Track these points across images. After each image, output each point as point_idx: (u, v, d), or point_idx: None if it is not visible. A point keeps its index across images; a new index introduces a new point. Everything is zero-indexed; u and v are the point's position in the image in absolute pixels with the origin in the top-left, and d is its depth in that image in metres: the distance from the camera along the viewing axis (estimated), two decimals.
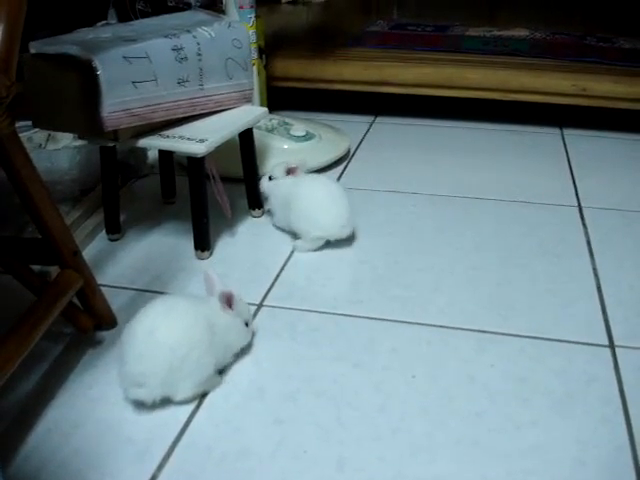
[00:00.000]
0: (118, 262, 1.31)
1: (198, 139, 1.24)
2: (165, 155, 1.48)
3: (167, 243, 1.38)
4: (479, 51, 2.07)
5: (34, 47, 1.21)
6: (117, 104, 1.18)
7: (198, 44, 1.29)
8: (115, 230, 1.39)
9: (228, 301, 1.02)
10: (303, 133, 1.68)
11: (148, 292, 1.22)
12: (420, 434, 0.91)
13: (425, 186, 1.60)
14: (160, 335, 0.94)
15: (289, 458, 0.88)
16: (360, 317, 1.15)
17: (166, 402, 0.96)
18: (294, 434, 0.92)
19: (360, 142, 1.87)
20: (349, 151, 1.78)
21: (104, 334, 1.11)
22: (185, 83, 1.28)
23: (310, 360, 1.05)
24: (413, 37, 2.22)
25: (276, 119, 1.73)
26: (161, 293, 1.21)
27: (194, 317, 0.97)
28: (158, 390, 0.94)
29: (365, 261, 1.30)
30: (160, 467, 0.87)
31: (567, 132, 1.95)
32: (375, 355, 1.06)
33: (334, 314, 1.16)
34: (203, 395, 0.98)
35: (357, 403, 0.97)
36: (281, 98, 2.00)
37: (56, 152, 1.51)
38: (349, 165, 1.72)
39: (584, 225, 1.43)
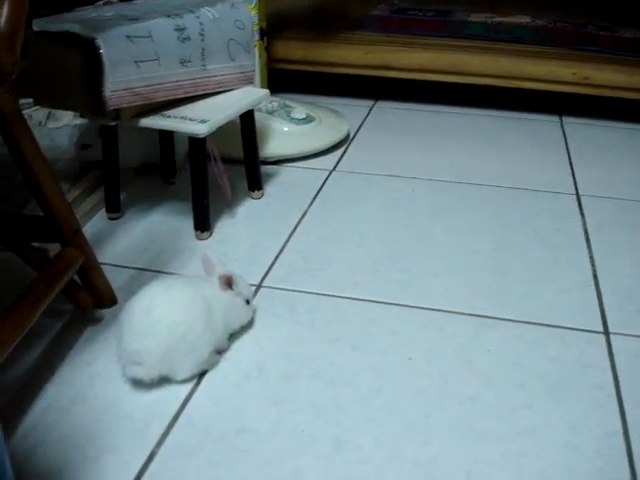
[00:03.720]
0: (118, 241, 1.32)
1: (200, 119, 1.24)
2: (165, 135, 1.48)
3: (167, 223, 1.38)
4: (481, 37, 2.07)
5: (37, 25, 1.21)
6: (119, 83, 1.18)
7: (201, 24, 1.29)
8: (115, 209, 1.39)
9: (227, 283, 1.02)
10: (303, 116, 1.68)
11: (148, 271, 1.22)
12: (416, 416, 0.93)
13: (424, 171, 1.61)
14: (158, 314, 0.94)
15: (287, 437, 0.89)
16: (358, 300, 1.16)
17: (165, 380, 0.97)
18: (292, 414, 0.93)
19: (360, 126, 1.87)
20: (349, 135, 1.78)
21: (104, 312, 1.12)
22: (187, 63, 1.28)
23: (309, 341, 1.06)
24: (414, 22, 2.22)
25: (276, 101, 1.73)
26: (161, 272, 1.22)
27: (192, 296, 0.98)
28: (156, 369, 0.95)
29: (363, 245, 1.31)
30: (159, 444, 0.88)
31: (566, 120, 1.96)
32: (373, 337, 1.07)
33: (333, 296, 1.16)
34: (202, 373, 0.99)
35: (354, 384, 0.98)
36: (281, 80, 2.00)
37: (56, 130, 1.51)
38: (348, 149, 1.73)
39: (582, 213, 1.44)
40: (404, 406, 0.94)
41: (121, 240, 1.32)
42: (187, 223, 1.36)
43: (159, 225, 1.38)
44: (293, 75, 2.05)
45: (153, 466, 0.85)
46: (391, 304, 1.15)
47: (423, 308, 1.14)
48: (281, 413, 0.93)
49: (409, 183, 1.55)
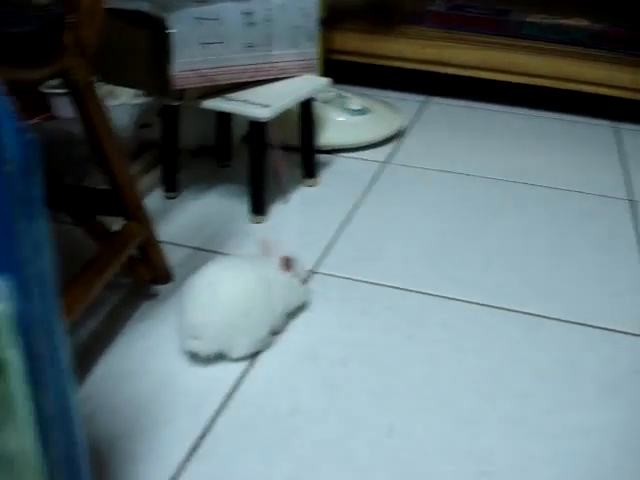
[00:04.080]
0: (173, 220, 1.33)
1: (262, 104, 1.25)
2: (223, 118, 1.49)
3: (222, 205, 1.40)
4: (538, 38, 2.06)
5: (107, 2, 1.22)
6: (187, 64, 1.20)
7: (267, 10, 1.30)
8: (172, 189, 1.41)
9: (287, 264, 1.04)
10: (359, 107, 1.68)
11: (203, 251, 1.24)
12: (468, 408, 0.93)
13: (477, 169, 1.60)
14: (221, 290, 0.96)
15: (339, 420, 0.90)
16: (411, 291, 1.16)
17: (219, 357, 0.98)
18: (344, 398, 0.94)
19: (413, 120, 1.87)
20: (402, 128, 1.78)
21: (160, 288, 1.14)
22: (252, 48, 1.29)
23: (361, 328, 1.07)
24: (471, 19, 2.21)
25: (332, 91, 1.73)
26: (216, 252, 1.23)
27: (255, 276, 0.99)
28: (214, 344, 0.96)
29: (416, 237, 1.31)
30: (213, 419, 0.90)
31: (621, 126, 1.94)
32: (425, 328, 1.08)
33: (385, 286, 1.17)
34: (256, 353, 1.00)
35: (407, 373, 0.98)
36: (335, 71, 2.00)
37: (115, 108, 1.53)
38: (402, 142, 1.73)
39: (635, 219, 1.43)
40: (456, 398, 0.95)
41: (177, 219, 1.34)
42: (241, 206, 1.37)
43: (214, 207, 1.39)
44: (346, 66, 2.05)
45: (207, 441, 0.87)
46: (443, 297, 1.15)
47: (476, 303, 1.14)
48: (334, 397, 0.94)
49: (463, 179, 1.55)
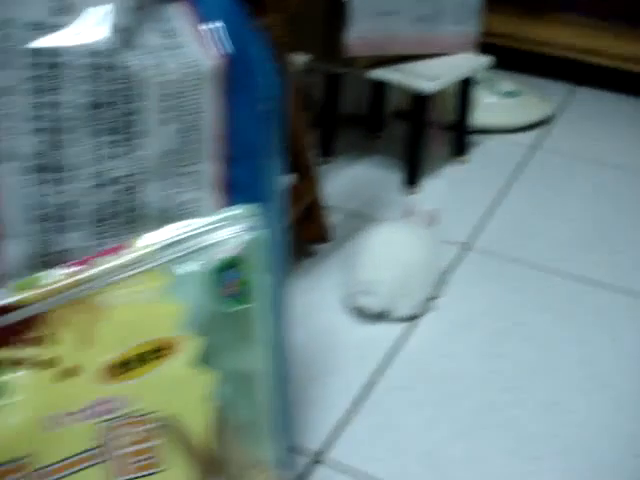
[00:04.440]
0: (329, 184, 1.36)
1: (429, 77, 1.27)
2: (378, 90, 1.51)
3: (375, 174, 1.42)
4: None
5: None
6: (361, 32, 1.22)
7: None
8: (328, 153, 1.44)
9: (431, 220, 1.09)
10: (511, 89, 1.68)
11: (357, 216, 1.27)
12: (628, 392, 0.93)
13: (629, 162, 1.57)
14: (396, 249, 1.00)
15: (499, 390, 0.92)
16: (565, 274, 1.16)
17: (379, 317, 1.02)
18: (503, 369, 0.96)
19: (561, 108, 1.84)
20: (551, 115, 1.76)
21: (318, 247, 1.17)
22: (421, 22, 1.31)
23: (516, 305, 1.08)
24: (626, 10, 2.16)
25: (481, 72, 1.73)
26: (370, 219, 1.26)
27: (423, 240, 1.03)
28: (385, 301, 0.99)
29: (569, 223, 1.30)
30: (377, 375, 0.93)
31: None
32: (580, 312, 1.08)
33: (539, 267, 1.17)
34: (414, 317, 1.03)
35: (565, 353, 0.99)
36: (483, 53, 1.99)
37: None
38: (551, 129, 1.71)
39: None
40: (615, 381, 0.95)
41: (332, 183, 1.37)
42: (393, 176, 1.39)
43: (367, 174, 1.42)
44: (492, 49, 2.03)
45: (371, 395, 0.91)
46: (599, 283, 1.15)
47: (631, 293, 1.13)
48: (492, 366, 0.96)
49: (614, 171, 1.52)
